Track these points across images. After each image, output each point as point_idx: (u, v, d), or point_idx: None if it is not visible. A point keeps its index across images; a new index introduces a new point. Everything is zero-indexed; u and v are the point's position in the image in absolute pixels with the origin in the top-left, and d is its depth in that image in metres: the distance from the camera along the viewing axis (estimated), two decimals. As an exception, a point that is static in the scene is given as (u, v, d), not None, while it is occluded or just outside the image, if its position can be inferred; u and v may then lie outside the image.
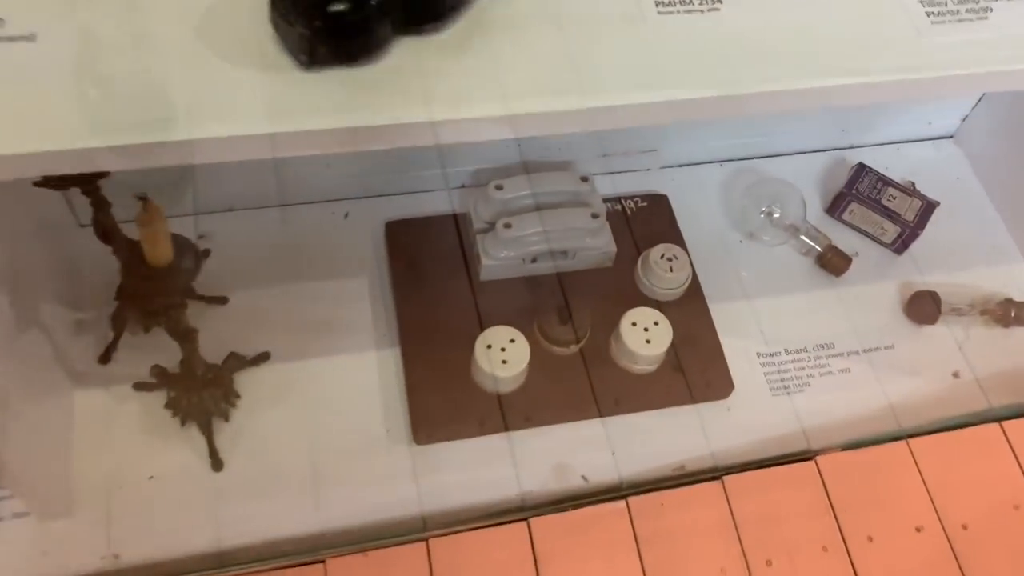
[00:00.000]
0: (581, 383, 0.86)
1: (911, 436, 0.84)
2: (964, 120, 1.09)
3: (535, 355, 0.86)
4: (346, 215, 0.96)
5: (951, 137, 1.12)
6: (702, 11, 0.56)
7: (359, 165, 0.95)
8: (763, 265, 0.98)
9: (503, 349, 0.83)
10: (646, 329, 0.86)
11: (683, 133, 1.02)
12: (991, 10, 0.56)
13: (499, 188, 0.89)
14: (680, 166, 1.05)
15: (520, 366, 0.82)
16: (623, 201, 0.99)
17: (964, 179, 1.08)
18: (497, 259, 0.89)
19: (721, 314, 0.93)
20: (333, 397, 0.85)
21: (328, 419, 0.84)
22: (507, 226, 0.87)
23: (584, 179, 0.91)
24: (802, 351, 0.93)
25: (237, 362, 0.84)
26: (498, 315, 0.87)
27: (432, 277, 0.91)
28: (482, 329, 0.84)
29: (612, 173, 1.03)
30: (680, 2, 0.56)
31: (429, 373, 0.85)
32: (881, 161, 1.07)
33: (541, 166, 0.96)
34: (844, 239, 1.00)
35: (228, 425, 0.82)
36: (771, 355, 0.92)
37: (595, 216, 0.88)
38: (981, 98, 1.06)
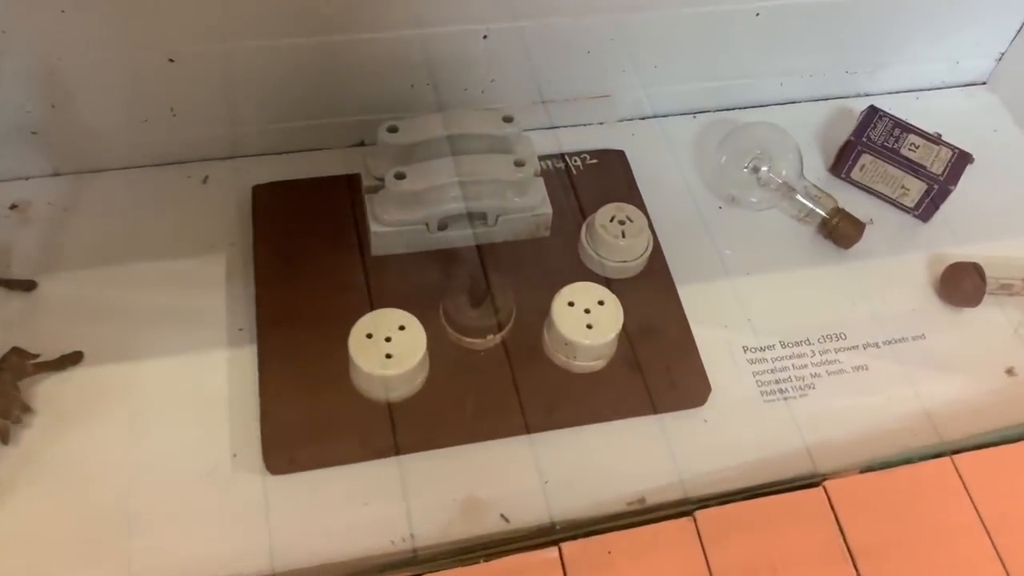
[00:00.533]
0: (502, 387, 0.64)
1: (956, 451, 0.61)
2: (1000, 60, 0.88)
3: (440, 350, 0.63)
4: (205, 179, 0.75)
5: (984, 83, 0.90)
6: None
7: (224, 114, 0.74)
8: (750, 236, 0.76)
9: (388, 339, 0.60)
10: (587, 311, 0.63)
11: (644, 75, 0.80)
12: None
13: (392, 131, 0.67)
14: (643, 119, 0.83)
15: (412, 361, 0.60)
16: (567, 158, 0.77)
17: (1003, 131, 0.86)
18: (390, 224, 0.66)
19: (694, 298, 0.70)
20: (165, 411, 0.62)
21: (156, 441, 0.61)
22: (400, 177, 0.65)
23: (508, 119, 0.69)
24: (803, 344, 0.70)
25: (27, 364, 0.61)
26: (394, 301, 0.65)
27: (308, 254, 0.69)
28: (369, 317, 0.62)
29: (555, 128, 0.81)
30: None
31: (292, 378, 0.62)
32: (898, 112, 0.84)
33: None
34: (854, 202, 0.78)
35: (12, 449, 0.60)
36: (762, 350, 0.69)
37: (519, 164, 0.67)
38: (1022, 28, 0.85)
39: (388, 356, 0.59)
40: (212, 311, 0.67)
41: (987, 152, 0.82)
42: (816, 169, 0.81)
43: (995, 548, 0.56)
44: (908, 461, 0.60)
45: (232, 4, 0.65)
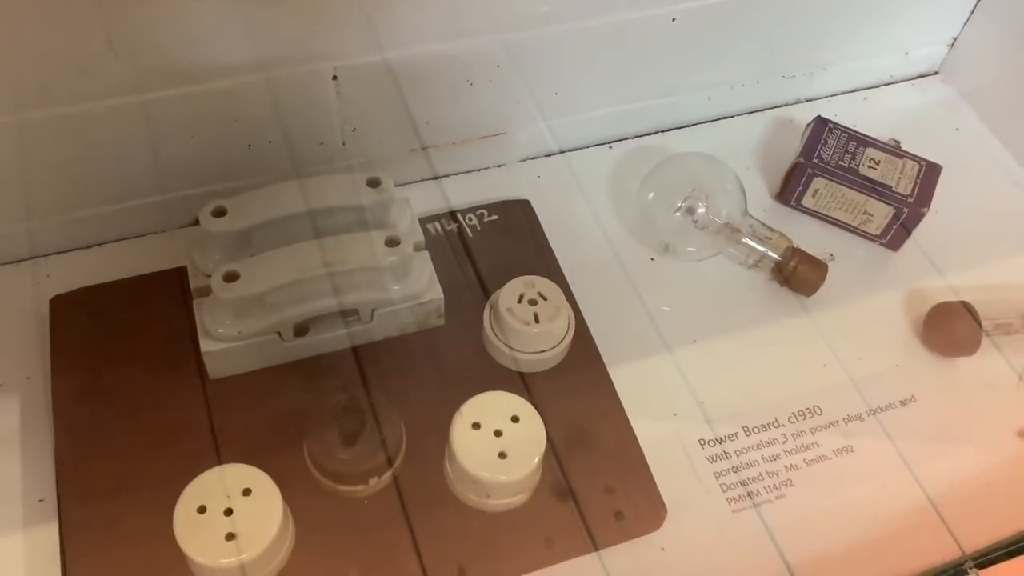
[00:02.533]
0: (396, 546, 0.48)
1: (981, 563, 0.48)
2: (952, 45, 0.75)
3: (309, 506, 0.47)
4: (-10, 292, 0.58)
5: (936, 74, 0.78)
6: None
7: (11, 205, 0.57)
8: (691, 291, 0.62)
9: (228, 512, 0.44)
10: (498, 433, 0.48)
11: (543, 103, 0.65)
12: None
13: (219, 214, 0.51)
14: (549, 156, 0.68)
15: (263, 540, 0.44)
16: (460, 216, 0.62)
17: (967, 129, 0.74)
18: (227, 340, 0.50)
19: (633, 383, 0.56)
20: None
21: None
22: (230, 278, 0.49)
23: (374, 183, 0.53)
24: (772, 426, 0.56)
25: None
26: (244, 442, 0.49)
27: (125, 386, 0.52)
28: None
29: (441, 177, 0.66)
30: None
31: (108, 570, 0.46)
32: (845, 116, 0.71)
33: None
34: (809, 235, 0.64)
35: None
36: (722, 441, 0.55)
37: (393, 243, 0.51)
38: (975, 9, 0.73)
39: (230, 536, 0.44)
40: (2, 479, 0.50)
41: (953, 156, 0.70)
42: (760, 198, 0.68)
43: None
44: (928, 585, 0.47)
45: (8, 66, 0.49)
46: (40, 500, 0.49)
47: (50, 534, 0.48)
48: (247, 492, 0.45)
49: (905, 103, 0.75)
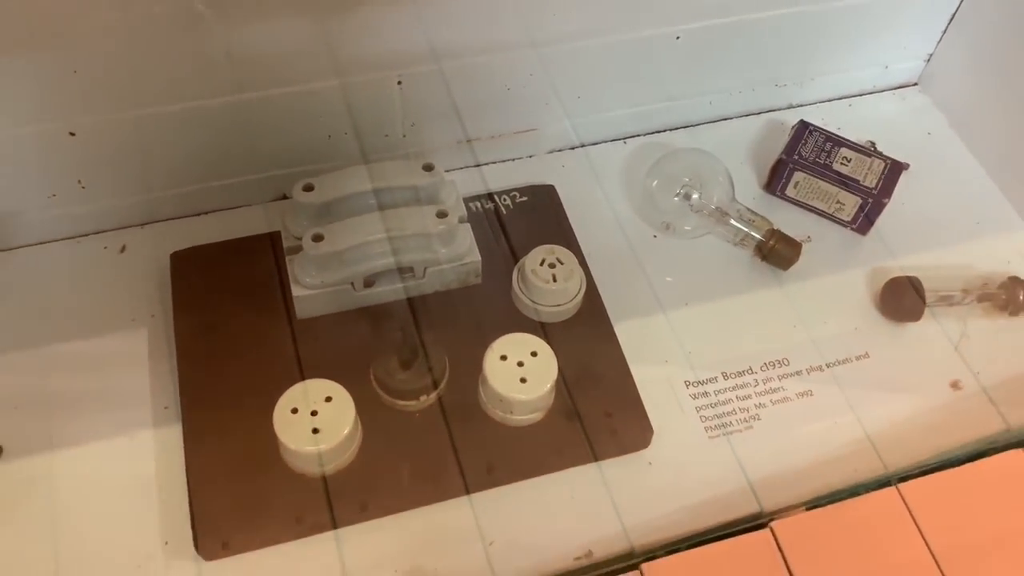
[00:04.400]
0: (439, 448, 0.62)
1: (902, 479, 0.60)
2: (929, 60, 0.87)
3: (373, 416, 0.61)
4: (123, 249, 0.72)
5: (916, 85, 0.89)
6: None
7: (136, 182, 0.71)
8: (686, 264, 0.75)
9: (314, 413, 0.58)
10: (520, 364, 0.61)
11: (569, 106, 0.79)
12: None
13: (308, 189, 0.65)
14: (572, 148, 0.82)
15: (340, 434, 0.57)
16: (496, 197, 0.75)
17: (938, 133, 0.85)
18: (313, 287, 0.64)
19: (633, 335, 0.69)
20: (91, 502, 0.60)
21: (83, 535, 0.58)
22: (317, 239, 0.63)
23: (428, 168, 0.67)
24: (746, 373, 0.69)
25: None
26: (324, 366, 0.63)
27: (231, 322, 0.66)
28: (299, 386, 0.60)
29: (482, 166, 0.80)
30: None
31: (220, 458, 0.60)
32: (831, 121, 0.84)
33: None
34: (791, 219, 0.77)
35: (-70, 557, 0.58)
36: (704, 383, 0.68)
37: (442, 215, 0.65)
38: (947, 29, 0.84)
39: (315, 431, 0.57)
40: (135, 391, 0.65)
41: (922, 156, 0.82)
42: (751, 187, 0.80)
43: (945, 578, 0.55)
44: (855, 493, 0.59)
45: (131, 74, 0.63)
46: (165, 407, 0.64)
47: (175, 434, 0.62)
48: (328, 399, 0.59)
49: (885, 110, 0.87)
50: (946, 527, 0.57)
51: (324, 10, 0.64)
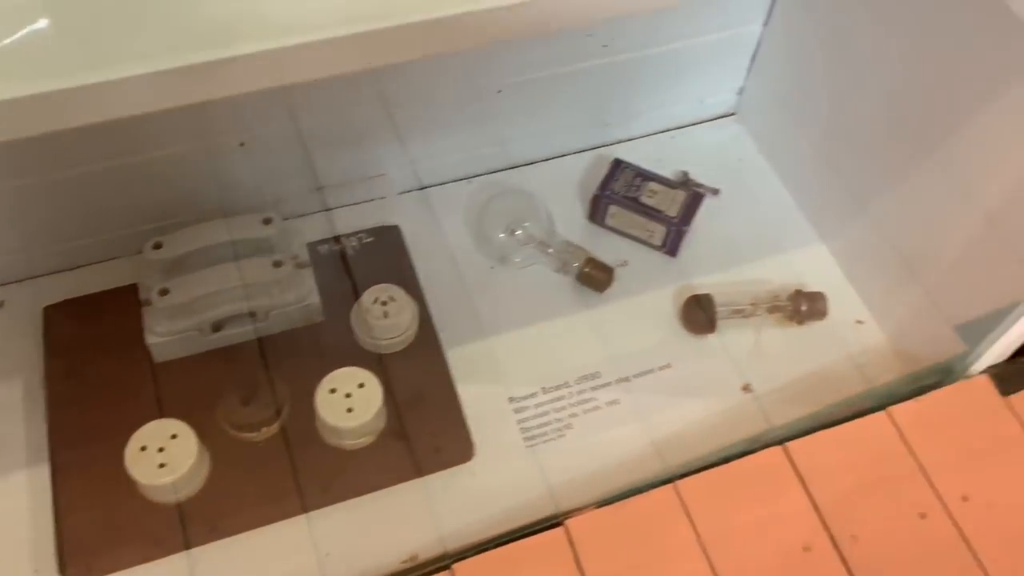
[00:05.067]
0: (281, 473, 0.70)
1: (682, 476, 0.69)
2: (740, 93, 0.96)
3: (222, 447, 0.70)
4: (1, 304, 0.80)
5: (733, 115, 0.99)
6: None
7: (14, 241, 0.79)
8: (517, 291, 0.83)
9: (161, 450, 0.66)
10: (348, 395, 0.70)
11: (415, 150, 0.87)
12: None
13: (158, 247, 0.73)
14: (421, 189, 0.90)
15: (183, 468, 0.65)
16: (344, 240, 0.84)
17: (749, 159, 0.95)
18: (164, 335, 0.72)
19: (465, 358, 0.78)
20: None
21: (-39, 568, 0.66)
22: (163, 292, 0.71)
23: (267, 221, 0.75)
24: (563, 387, 0.78)
25: None
26: (180, 404, 0.71)
27: (98, 368, 0.74)
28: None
29: (332, 209, 0.88)
30: None
31: (84, 492, 0.68)
32: (655, 152, 0.94)
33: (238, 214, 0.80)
34: (613, 246, 0.86)
35: None
36: (526, 398, 0.77)
37: (278, 264, 0.73)
38: (751, 65, 0.94)
39: (162, 465, 0.65)
40: (10, 437, 0.72)
41: (734, 181, 0.92)
42: (579, 218, 0.89)
43: (711, 564, 0.64)
44: (639, 491, 0.68)
45: (6, 148, 0.70)
46: (37, 450, 0.71)
47: (45, 472, 0.70)
48: (174, 436, 0.67)
49: (704, 139, 0.96)
50: (713, 516, 0.66)
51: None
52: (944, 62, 0.69)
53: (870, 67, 0.77)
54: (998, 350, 0.71)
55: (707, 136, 0.97)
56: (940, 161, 0.72)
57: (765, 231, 0.89)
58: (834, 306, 0.82)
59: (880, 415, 0.71)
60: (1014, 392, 0.71)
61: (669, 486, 0.68)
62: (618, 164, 0.87)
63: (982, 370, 0.72)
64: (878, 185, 0.80)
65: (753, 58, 0.92)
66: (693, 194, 0.85)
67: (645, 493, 0.68)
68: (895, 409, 0.71)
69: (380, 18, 0.40)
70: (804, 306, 0.81)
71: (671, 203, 0.84)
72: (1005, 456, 0.69)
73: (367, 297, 0.76)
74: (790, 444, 0.69)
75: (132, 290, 0.78)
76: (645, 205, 0.84)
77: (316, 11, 0.40)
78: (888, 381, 0.76)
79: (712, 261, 0.86)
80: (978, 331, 0.72)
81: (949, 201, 0.73)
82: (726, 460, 0.69)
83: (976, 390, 0.71)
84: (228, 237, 0.73)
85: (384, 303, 0.76)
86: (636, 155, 0.91)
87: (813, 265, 0.86)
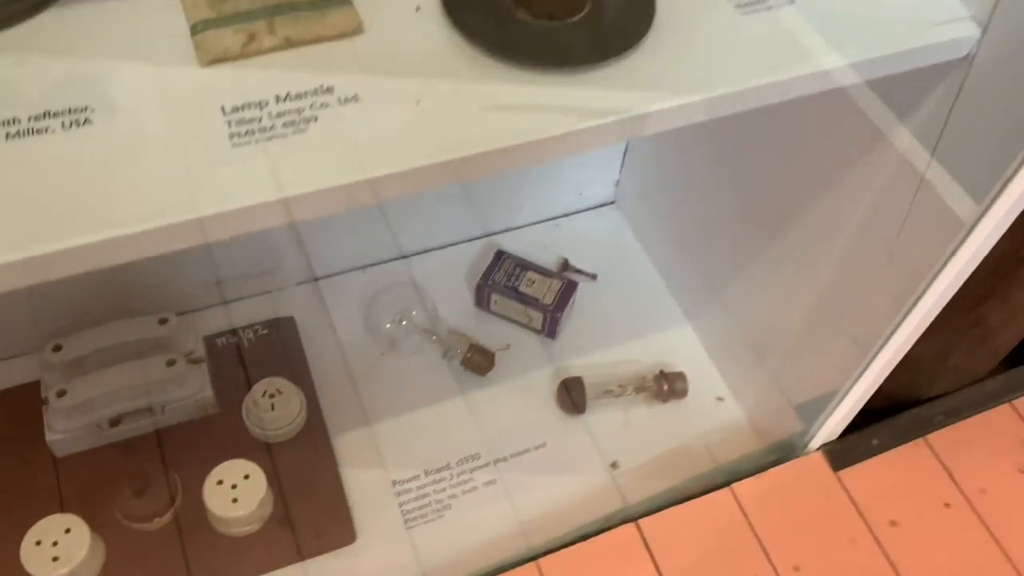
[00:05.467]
0: (173, 561, 0.75)
1: (544, 554, 0.75)
2: (618, 184, 1.04)
3: (117, 538, 0.74)
4: (-92, 404, 0.84)
5: (612, 203, 1.07)
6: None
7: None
8: (405, 377, 0.90)
9: (55, 543, 0.71)
10: (234, 486, 0.75)
11: (314, 242, 0.93)
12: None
13: (57, 349, 0.78)
14: (317, 280, 0.97)
15: (75, 561, 0.70)
16: (240, 332, 0.89)
17: (626, 245, 1.03)
18: (63, 432, 0.77)
19: (352, 444, 0.83)
20: None
21: None
22: (60, 394, 0.76)
23: (163, 321, 0.81)
24: (444, 469, 0.84)
25: None
26: (80, 497, 0.76)
27: (2, 466, 0.79)
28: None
29: (233, 301, 0.93)
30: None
31: (-18, 584, 0.73)
32: (540, 239, 1.01)
33: (130, 313, 0.85)
34: (497, 330, 0.93)
35: None
36: (408, 481, 0.83)
37: (171, 363, 0.78)
38: (625, 158, 1.02)
39: (55, 559, 0.70)
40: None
41: (611, 266, 0.99)
42: (468, 304, 0.96)
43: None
44: (503, 569, 0.74)
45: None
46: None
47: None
48: (68, 531, 0.71)
49: (586, 227, 1.04)
50: (571, 591, 0.72)
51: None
52: (785, 160, 0.77)
53: (722, 164, 0.85)
54: (830, 428, 0.79)
55: (588, 223, 1.05)
56: (782, 249, 0.80)
57: (638, 313, 0.97)
58: (697, 384, 0.90)
59: (725, 491, 0.78)
60: (844, 467, 0.78)
61: (532, 564, 0.74)
62: (500, 255, 0.94)
63: (817, 447, 0.80)
64: (732, 271, 0.88)
65: (625, 154, 1.00)
66: (568, 282, 0.92)
67: (508, 572, 0.74)
68: (738, 485, 0.78)
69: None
70: (666, 386, 0.88)
71: (547, 291, 0.91)
72: (834, 527, 0.76)
73: (256, 390, 0.81)
74: (643, 520, 0.76)
75: (35, 387, 0.83)
76: (523, 293, 0.91)
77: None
78: (736, 458, 0.83)
79: (589, 342, 0.93)
80: (814, 410, 0.80)
81: (790, 287, 0.80)
82: (584, 537, 0.76)
83: (810, 466, 0.79)
84: (126, 338, 0.79)
85: (272, 395, 0.81)
86: (522, 242, 0.99)
87: (680, 345, 0.94)
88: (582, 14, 0.49)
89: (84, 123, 0.42)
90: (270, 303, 0.94)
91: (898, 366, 0.73)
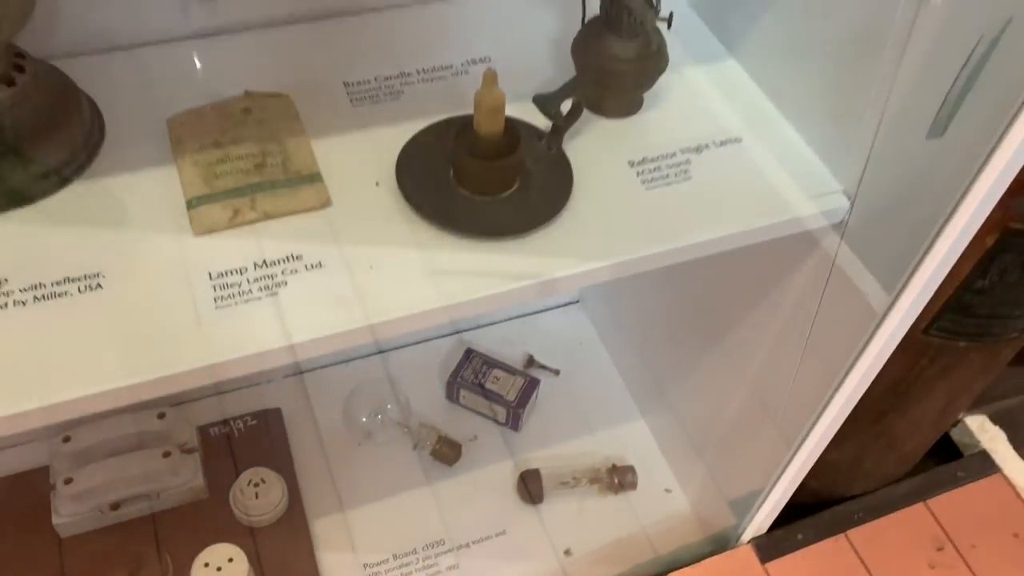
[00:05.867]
0: (161, 636, 0.83)
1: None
2: (582, 285, 1.14)
3: (112, 613, 0.83)
4: (-72, 485, 0.93)
5: (577, 302, 1.16)
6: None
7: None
8: (379, 466, 0.98)
9: (56, 620, 0.79)
10: (219, 568, 0.83)
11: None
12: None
13: (66, 440, 0.87)
14: (302, 372, 1.06)
15: (74, 636, 0.79)
16: (231, 423, 0.99)
17: (588, 343, 1.12)
18: (68, 516, 0.86)
19: (328, 528, 0.92)
20: None
21: None
22: (68, 482, 0.85)
23: (161, 415, 0.90)
24: (411, 554, 0.92)
25: None
26: (82, 574, 0.84)
27: (9, 542, 0.87)
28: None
29: (227, 392, 1.03)
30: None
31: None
32: (508, 335, 1.10)
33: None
34: (465, 423, 1.02)
35: None
36: (378, 564, 0.91)
37: (167, 455, 0.87)
38: (588, 264, 1.11)
39: (56, 634, 0.78)
40: (-71, 605, 0.85)
41: (573, 362, 1.08)
42: (439, 396, 1.05)
43: None
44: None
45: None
46: (-46, 616, 0.84)
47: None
48: (68, 608, 0.80)
49: (551, 324, 1.13)
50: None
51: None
52: (720, 272, 0.85)
53: (671, 275, 0.94)
54: (759, 522, 0.87)
55: (553, 321, 1.14)
56: (720, 349, 0.88)
57: (597, 407, 1.05)
58: (649, 476, 0.98)
59: (664, 580, 0.86)
60: (771, 560, 0.86)
61: (485, 645, 0.82)
62: (469, 353, 1.03)
63: (748, 540, 0.88)
64: (679, 370, 0.97)
65: (588, 259, 1.10)
66: (530, 380, 1.01)
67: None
68: (676, 574, 0.86)
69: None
70: (617, 479, 0.96)
71: (511, 388, 1.00)
72: (759, 615, 0.84)
73: (243, 479, 0.90)
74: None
75: (44, 472, 0.92)
76: (489, 390, 1.00)
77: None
78: (676, 548, 0.91)
79: (549, 435, 1.02)
80: (745, 505, 0.88)
81: (725, 384, 0.89)
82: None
83: (740, 558, 0.86)
84: (127, 430, 0.88)
85: (256, 484, 0.90)
86: (491, 338, 1.08)
87: (635, 439, 1.03)
88: (511, 190, 0.59)
89: (96, 287, 0.52)
90: (259, 394, 1.03)
91: (819, 467, 0.82)
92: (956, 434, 1.00)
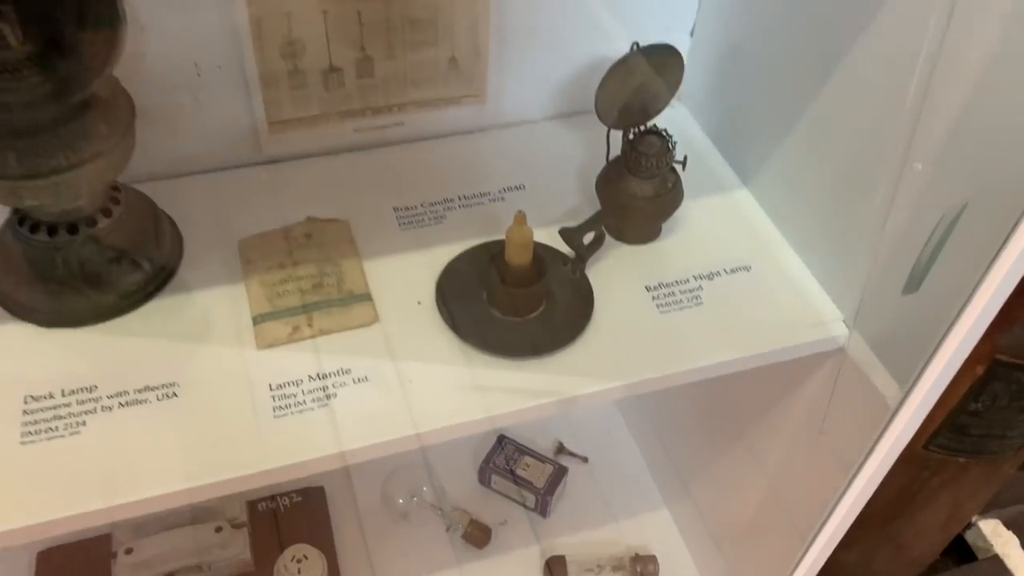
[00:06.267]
0: None
1: None
2: (612, 375, 1.20)
3: None
4: None
5: (607, 390, 1.22)
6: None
7: None
8: (413, 546, 1.04)
9: None
10: (260, 640, 0.90)
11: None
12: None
13: (129, 552, 0.95)
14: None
15: None
16: (278, 498, 1.05)
17: (615, 430, 1.18)
18: (127, 586, 0.93)
19: (367, 603, 0.98)
20: None
21: None
22: (128, 552, 0.92)
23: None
24: (441, 632, 0.97)
25: None
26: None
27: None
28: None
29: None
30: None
31: None
32: (538, 423, 1.16)
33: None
34: (497, 506, 1.07)
35: None
36: (407, 640, 0.96)
37: (219, 530, 0.94)
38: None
39: None
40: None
41: (601, 450, 1.13)
42: (472, 480, 1.10)
43: None
44: None
45: None
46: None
47: None
48: (123, 673, 0.86)
49: (583, 413, 1.19)
50: None
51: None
52: (741, 381, 0.91)
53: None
54: (774, 618, 0.90)
55: (584, 411, 1.20)
56: (742, 449, 0.93)
57: (622, 496, 1.10)
58: (671, 566, 1.02)
59: (678, 671, 0.89)
60: (784, 655, 0.89)
61: None
62: (501, 440, 1.09)
63: (763, 634, 0.92)
64: (700, 464, 1.02)
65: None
66: (559, 468, 1.07)
67: None
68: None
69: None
70: (639, 568, 1.00)
71: (540, 475, 1.06)
72: None
73: (287, 554, 0.97)
74: None
75: (107, 540, 0.99)
76: (520, 476, 1.06)
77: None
78: (693, 639, 0.95)
79: (576, 522, 1.07)
80: (762, 601, 0.92)
81: (746, 483, 0.93)
82: None
83: (754, 653, 0.90)
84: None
85: (299, 560, 0.96)
86: (523, 425, 1.14)
87: (658, 528, 1.07)
88: (538, 312, 0.66)
89: (171, 396, 0.60)
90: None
91: (831, 567, 0.85)
92: (970, 536, 1.03)
